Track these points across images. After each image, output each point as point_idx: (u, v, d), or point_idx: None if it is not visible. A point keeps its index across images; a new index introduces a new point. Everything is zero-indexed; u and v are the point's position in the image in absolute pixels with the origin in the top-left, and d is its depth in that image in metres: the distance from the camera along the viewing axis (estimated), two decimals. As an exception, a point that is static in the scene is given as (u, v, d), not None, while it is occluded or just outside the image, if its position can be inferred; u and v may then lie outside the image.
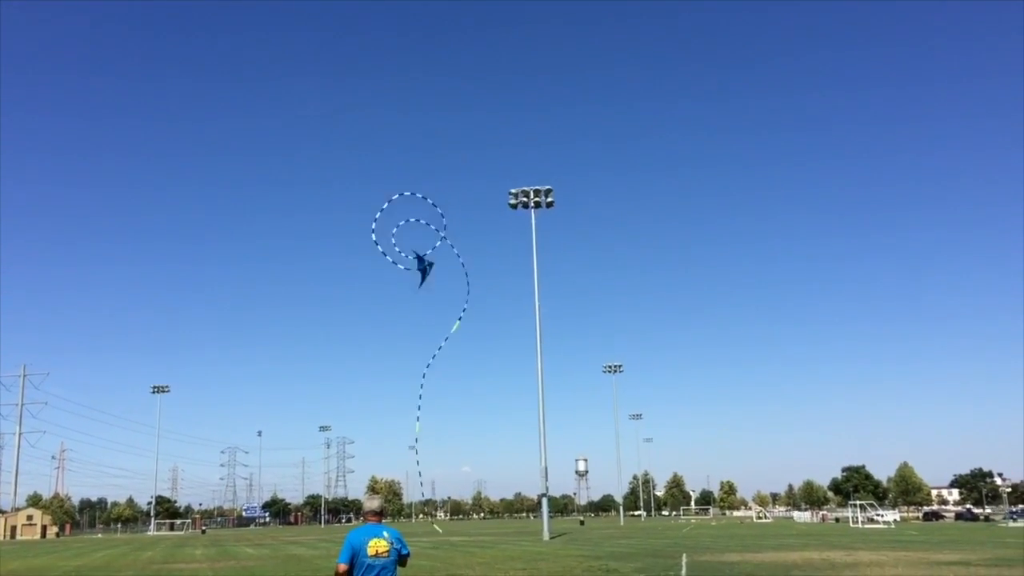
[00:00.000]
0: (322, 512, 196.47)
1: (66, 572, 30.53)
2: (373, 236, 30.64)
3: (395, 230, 30.59)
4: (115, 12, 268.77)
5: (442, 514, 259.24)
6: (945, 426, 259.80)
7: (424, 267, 28.82)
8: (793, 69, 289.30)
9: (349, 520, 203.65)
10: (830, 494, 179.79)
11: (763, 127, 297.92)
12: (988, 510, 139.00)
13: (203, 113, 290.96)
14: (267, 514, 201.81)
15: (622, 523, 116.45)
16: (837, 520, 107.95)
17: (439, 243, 31.83)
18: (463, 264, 33.35)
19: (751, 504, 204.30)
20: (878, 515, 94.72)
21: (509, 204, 67.39)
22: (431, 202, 33.90)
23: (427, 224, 32.63)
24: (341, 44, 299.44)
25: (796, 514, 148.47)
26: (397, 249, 30.58)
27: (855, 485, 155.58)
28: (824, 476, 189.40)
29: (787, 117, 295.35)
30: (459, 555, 35.86)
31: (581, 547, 41.58)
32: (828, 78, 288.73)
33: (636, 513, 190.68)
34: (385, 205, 32.18)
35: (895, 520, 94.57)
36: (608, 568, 25.81)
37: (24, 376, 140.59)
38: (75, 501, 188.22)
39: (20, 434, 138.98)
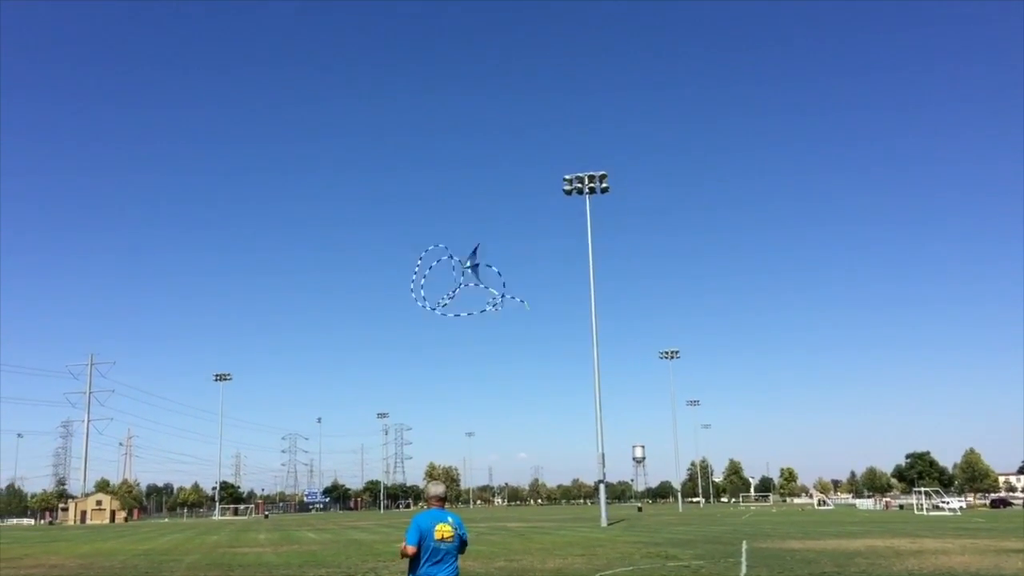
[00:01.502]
0: (381, 497, 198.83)
1: (135, 555, 31.34)
2: (414, 295, 31.02)
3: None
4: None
5: (499, 500, 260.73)
6: (1013, 411, 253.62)
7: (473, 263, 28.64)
8: (856, 48, 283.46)
9: (408, 505, 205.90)
10: (893, 481, 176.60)
11: (825, 106, 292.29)
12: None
13: (261, 101, 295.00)
14: (327, 499, 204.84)
15: (680, 510, 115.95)
16: (901, 507, 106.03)
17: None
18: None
19: (812, 491, 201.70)
20: (943, 502, 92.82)
21: (564, 190, 67.27)
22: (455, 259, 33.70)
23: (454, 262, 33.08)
24: (394, 26, 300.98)
25: (859, 501, 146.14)
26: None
27: (919, 472, 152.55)
28: (887, 463, 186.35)
29: (851, 96, 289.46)
30: (517, 541, 36.00)
31: (639, 534, 41.47)
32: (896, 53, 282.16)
33: (694, 500, 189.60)
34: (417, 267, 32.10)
35: (961, 507, 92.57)
36: (667, 555, 25.71)
37: (91, 365, 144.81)
38: (142, 486, 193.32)
39: (88, 421, 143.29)
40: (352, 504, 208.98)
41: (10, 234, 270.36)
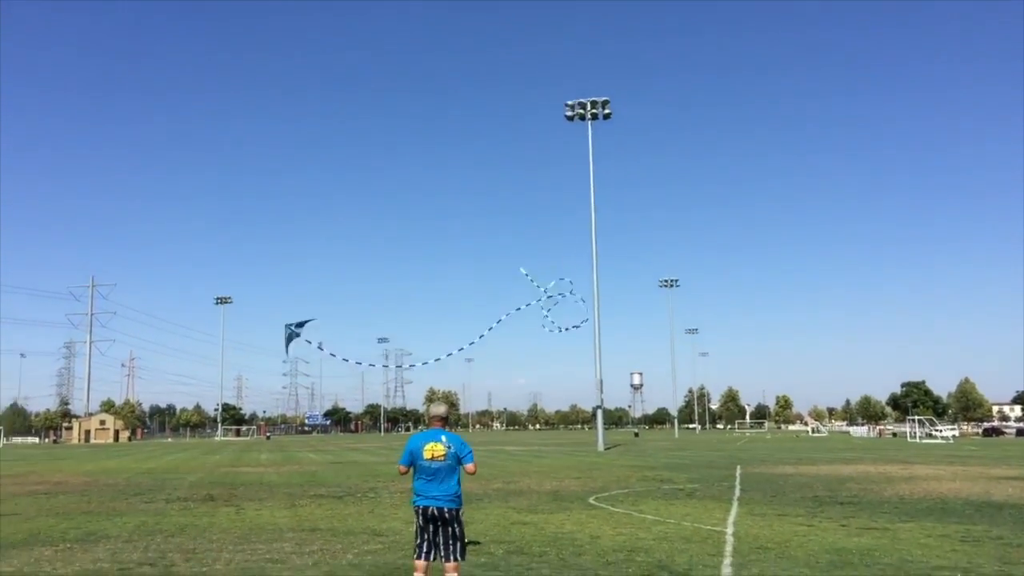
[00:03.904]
0: (381, 420, 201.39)
1: (138, 473, 31.82)
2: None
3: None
4: None
5: (498, 424, 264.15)
6: (1008, 341, 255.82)
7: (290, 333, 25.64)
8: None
9: (408, 428, 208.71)
10: (888, 409, 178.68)
11: (827, 29, 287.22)
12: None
13: (261, 28, 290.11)
14: (328, 422, 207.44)
15: (676, 436, 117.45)
16: (895, 435, 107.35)
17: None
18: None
19: (806, 418, 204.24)
20: (936, 430, 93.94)
21: (566, 116, 66.63)
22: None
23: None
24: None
25: (852, 429, 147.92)
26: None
27: (914, 400, 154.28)
28: (882, 391, 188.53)
29: (853, 15, 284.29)
30: (515, 464, 36.54)
31: (635, 458, 42.06)
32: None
33: (691, 426, 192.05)
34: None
35: (954, 436, 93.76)
36: (662, 478, 26.09)
37: (93, 287, 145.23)
38: (145, 407, 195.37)
39: (91, 342, 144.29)
40: (353, 427, 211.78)
41: (11, 155, 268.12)
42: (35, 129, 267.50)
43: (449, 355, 39.55)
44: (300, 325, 23.53)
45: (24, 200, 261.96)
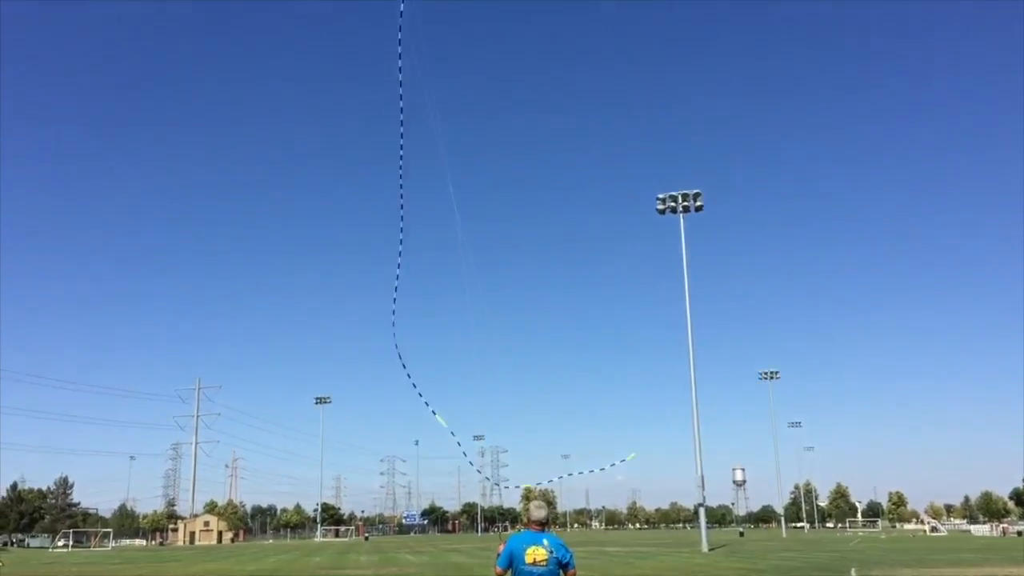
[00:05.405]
0: (478, 520, 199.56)
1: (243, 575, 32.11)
2: None
3: None
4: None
5: (596, 523, 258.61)
6: None
7: None
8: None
9: (505, 528, 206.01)
10: (1011, 505, 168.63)
11: (921, 116, 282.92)
12: None
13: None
14: (426, 521, 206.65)
15: (784, 535, 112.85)
16: (1019, 533, 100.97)
17: None
18: None
19: (923, 516, 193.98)
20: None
21: (657, 210, 66.76)
22: None
23: None
24: (475, 43, 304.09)
25: (973, 527, 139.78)
26: None
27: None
28: (1004, 486, 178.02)
29: (945, 104, 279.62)
30: (616, 565, 35.59)
31: (742, 560, 40.50)
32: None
33: (799, 525, 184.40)
34: None
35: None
36: (772, 581, 25.00)
37: (199, 389, 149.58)
38: (247, 508, 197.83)
39: (196, 444, 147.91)
40: (450, 526, 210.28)
41: (125, 266, 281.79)
42: (139, 239, 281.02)
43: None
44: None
45: (131, 304, 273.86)
